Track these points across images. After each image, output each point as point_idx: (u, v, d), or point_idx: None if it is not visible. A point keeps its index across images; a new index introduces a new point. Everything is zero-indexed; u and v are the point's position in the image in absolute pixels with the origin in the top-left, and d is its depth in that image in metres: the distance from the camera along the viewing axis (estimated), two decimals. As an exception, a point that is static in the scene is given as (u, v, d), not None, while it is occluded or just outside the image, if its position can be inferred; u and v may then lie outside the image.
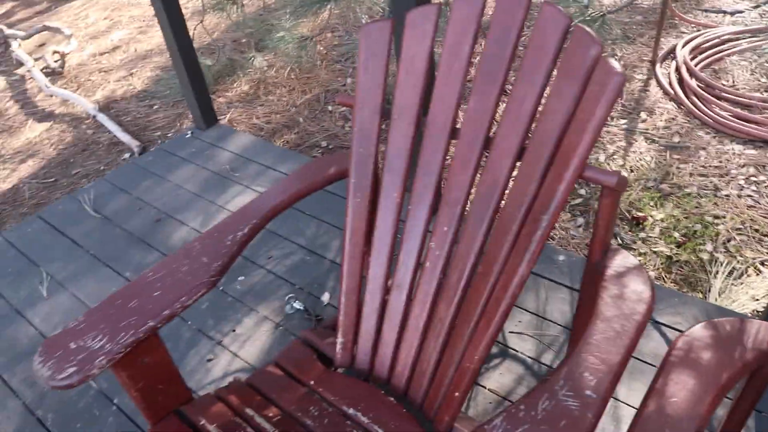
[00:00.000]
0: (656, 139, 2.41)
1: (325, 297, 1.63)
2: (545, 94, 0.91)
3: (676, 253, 1.87)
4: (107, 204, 2.19)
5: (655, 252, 1.88)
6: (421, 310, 1.05)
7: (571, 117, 0.89)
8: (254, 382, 1.10)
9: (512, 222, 0.94)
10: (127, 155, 2.91)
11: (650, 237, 1.94)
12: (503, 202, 0.97)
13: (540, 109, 0.94)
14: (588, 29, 0.91)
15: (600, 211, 0.92)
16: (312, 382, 1.08)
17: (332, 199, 1.99)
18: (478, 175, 1.01)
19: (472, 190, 1.01)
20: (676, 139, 2.40)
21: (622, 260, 0.94)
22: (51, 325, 1.71)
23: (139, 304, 0.95)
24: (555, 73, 0.92)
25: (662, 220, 1.99)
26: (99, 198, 2.23)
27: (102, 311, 0.95)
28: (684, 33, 3.12)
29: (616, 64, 0.84)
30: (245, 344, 1.54)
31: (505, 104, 1.00)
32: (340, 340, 1.14)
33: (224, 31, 3.88)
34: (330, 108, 2.85)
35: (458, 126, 1.03)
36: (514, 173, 0.95)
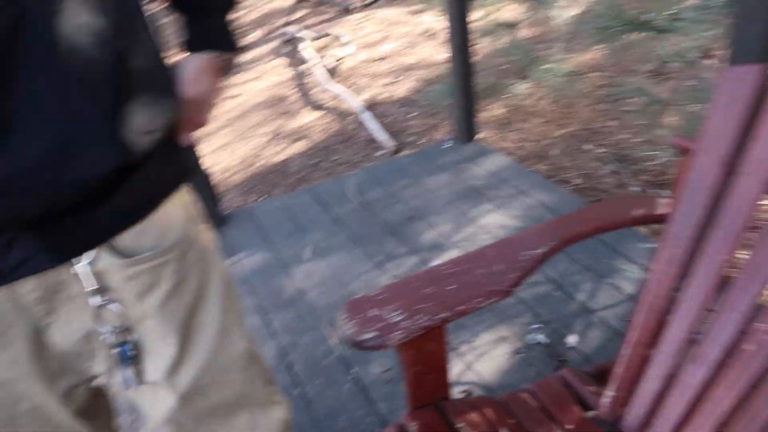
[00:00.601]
0: None
1: (570, 339, 1.54)
2: None
3: None
4: (366, 193, 2.40)
5: None
6: (727, 394, 0.91)
7: None
8: (508, 404, 1.07)
9: None
10: (380, 152, 3.18)
11: None
12: None
13: None
14: None
15: None
16: (571, 427, 1.01)
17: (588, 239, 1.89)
18: None
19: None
20: None
21: None
22: (310, 284, 1.93)
23: (434, 292, 1.00)
24: None
25: None
26: (360, 186, 2.46)
27: (399, 289, 1.01)
28: None
29: None
30: (480, 359, 1.53)
31: None
32: (610, 392, 1.05)
33: (489, 55, 4.01)
34: (587, 147, 2.73)
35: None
36: None
